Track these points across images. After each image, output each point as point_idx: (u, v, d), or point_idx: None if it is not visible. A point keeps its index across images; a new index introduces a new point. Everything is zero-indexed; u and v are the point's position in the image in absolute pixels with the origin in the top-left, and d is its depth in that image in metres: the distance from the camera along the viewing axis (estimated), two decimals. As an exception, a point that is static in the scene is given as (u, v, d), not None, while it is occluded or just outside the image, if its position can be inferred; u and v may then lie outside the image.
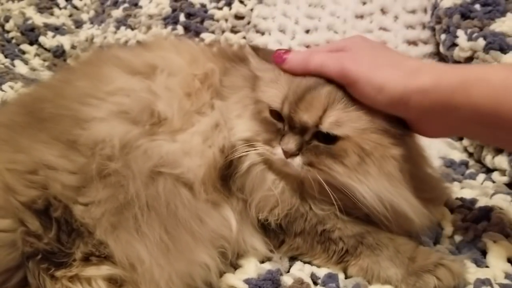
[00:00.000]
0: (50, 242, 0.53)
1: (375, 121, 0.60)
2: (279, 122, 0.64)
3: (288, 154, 0.61)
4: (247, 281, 0.59)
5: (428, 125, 0.62)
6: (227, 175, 0.66)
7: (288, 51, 0.65)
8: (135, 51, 0.76)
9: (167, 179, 0.59)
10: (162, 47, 0.75)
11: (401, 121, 0.62)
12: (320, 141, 0.61)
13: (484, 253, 0.67)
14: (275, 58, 0.65)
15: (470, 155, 1.05)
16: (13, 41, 1.54)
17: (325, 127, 0.59)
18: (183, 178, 0.61)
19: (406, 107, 0.57)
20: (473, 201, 0.79)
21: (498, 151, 0.94)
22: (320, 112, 0.59)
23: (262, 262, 0.66)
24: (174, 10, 1.43)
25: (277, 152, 0.62)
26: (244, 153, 0.65)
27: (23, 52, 1.52)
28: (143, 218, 0.55)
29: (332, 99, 0.60)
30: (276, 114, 0.64)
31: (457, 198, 0.80)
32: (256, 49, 0.69)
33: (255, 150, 0.64)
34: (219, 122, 0.67)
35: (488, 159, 0.96)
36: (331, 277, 0.62)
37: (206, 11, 1.40)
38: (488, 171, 0.97)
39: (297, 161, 0.61)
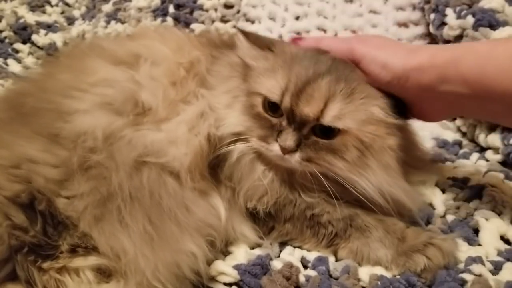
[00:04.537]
0: (36, 235, 0.53)
1: (372, 112, 0.60)
2: (274, 117, 0.63)
3: (287, 151, 0.60)
4: (236, 267, 0.59)
5: (426, 105, 0.63)
6: (215, 164, 0.66)
7: (302, 38, 0.72)
8: (119, 41, 0.76)
9: (152, 168, 0.59)
10: (146, 36, 0.74)
11: (396, 107, 0.62)
12: (317, 136, 0.60)
13: (476, 231, 0.67)
14: (291, 41, 0.71)
15: (464, 134, 1.04)
16: (6, 40, 1.54)
17: (327, 120, 0.59)
18: (169, 167, 0.60)
19: (406, 84, 0.60)
20: (465, 180, 0.78)
21: (491, 130, 0.94)
22: (322, 105, 0.58)
23: (253, 248, 0.66)
24: (163, 2, 1.42)
25: (274, 149, 0.61)
26: (234, 146, 0.64)
27: (17, 51, 1.52)
28: (126, 210, 0.55)
29: (332, 91, 0.59)
30: (270, 108, 0.63)
31: (448, 178, 0.79)
32: (247, 35, 0.68)
33: (247, 143, 0.64)
34: (204, 110, 0.66)
35: (481, 137, 0.95)
36: (321, 260, 0.62)
37: (195, 1, 1.39)
38: (482, 150, 0.96)
39: (296, 157, 0.60)
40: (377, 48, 0.63)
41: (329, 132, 0.60)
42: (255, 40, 0.67)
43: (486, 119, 0.91)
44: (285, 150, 0.60)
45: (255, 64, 0.66)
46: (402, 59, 0.60)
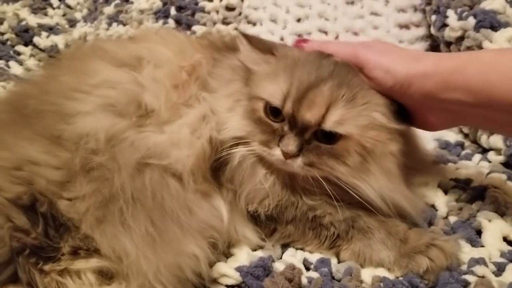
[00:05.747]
0: (38, 237, 0.53)
1: (373, 117, 0.60)
2: (275, 122, 0.62)
3: (289, 156, 0.60)
4: (238, 269, 0.59)
5: (428, 113, 0.64)
6: (216, 167, 0.65)
7: (306, 40, 0.71)
8: (121, 43, 0.76)
9: (154, 170, 0.59)
10: (149, 38, 0.74)
11: (398, 113, 0.62)
12: (319, 140, 0.60)
13: (479, 232, 0.67)
14: (295, 44, 0.70)
15: (466, 136, 1.04)
16: (8, 42, 1.54)
17: (328, 125, 0.59)
18: (172, 169, 0.60)
19: (408, 90, 0.60)
20: (468, 181, 0.78)
21: (493, 131, 0.93)
22: (323, 110, 0.58)
23: (255, 250, 0.66)
24: (164, 4, 1.42)
25: (276, 154, 0.61)
26: (236, 150, 0.64)
27: (18, 54, 1.52)
28: (128, 211, 0.55)
29: (334, 96, 0.59)
30: (272, 113, 0.63)
31: (451, 179, 0.79)
32: (249, 38, 0.67)
33: (249, 147, 0.64)
34: (206, 114, 0.66)
35: (484, 139, 0.95)
36: (324, 262, 0.62)
37: (196, 4, 1.39)
38: (484, 151, 0.96)
39: (298, 162, 0.60)
40: (382, 53, 0.63)
41: (331, 137, 0.60)
42: (257, 43, 0.67)
43: (489, 129, 0.91)
44: (287, 155, 0.60)
45: (256, 68, 0.66)
46: (406, 65, 0.61)
